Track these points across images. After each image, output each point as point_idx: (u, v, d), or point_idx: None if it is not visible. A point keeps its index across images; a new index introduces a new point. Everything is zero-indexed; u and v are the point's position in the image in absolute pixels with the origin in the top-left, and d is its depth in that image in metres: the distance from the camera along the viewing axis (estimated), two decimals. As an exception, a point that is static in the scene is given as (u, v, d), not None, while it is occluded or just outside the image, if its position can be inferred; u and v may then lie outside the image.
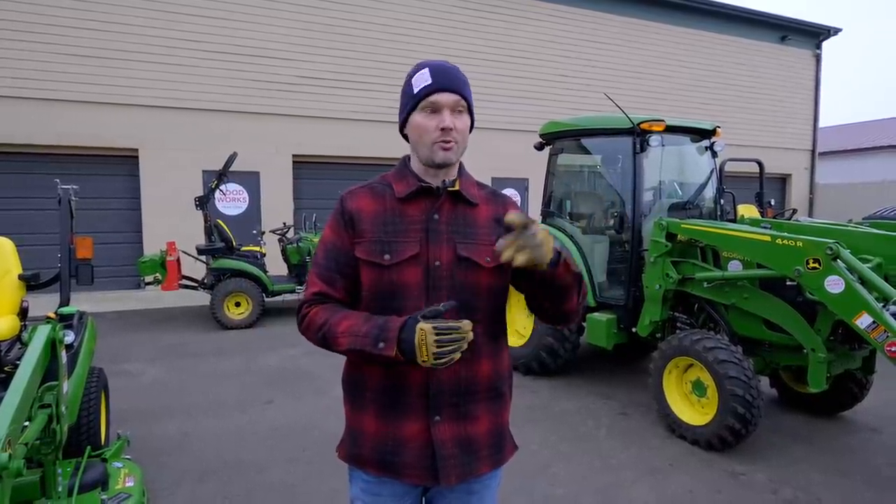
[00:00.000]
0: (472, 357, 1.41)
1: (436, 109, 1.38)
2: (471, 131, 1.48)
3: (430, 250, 1.40)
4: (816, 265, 3.46)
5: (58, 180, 4.03)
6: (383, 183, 1.50)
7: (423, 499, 1.55)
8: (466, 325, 1.26)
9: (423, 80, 1.39)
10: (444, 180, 1.45)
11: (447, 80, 1.38)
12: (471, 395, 1.44)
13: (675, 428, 4.10)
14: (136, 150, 10.11)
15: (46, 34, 9.34)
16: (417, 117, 1.40)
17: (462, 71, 1.47)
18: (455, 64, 1.48)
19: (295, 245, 8.43)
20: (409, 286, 1.38)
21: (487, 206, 1.49)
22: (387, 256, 1.40)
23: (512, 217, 1.23)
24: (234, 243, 7.98)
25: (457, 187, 1.45)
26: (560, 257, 1.34)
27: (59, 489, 2.45)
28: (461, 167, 1.52)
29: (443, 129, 1.37)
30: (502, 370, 1.52)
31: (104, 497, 2.52)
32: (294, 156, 11.22)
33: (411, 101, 1.41)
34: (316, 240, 8.30)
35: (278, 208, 10.97)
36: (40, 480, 2.42)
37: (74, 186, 3.77)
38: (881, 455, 3.89)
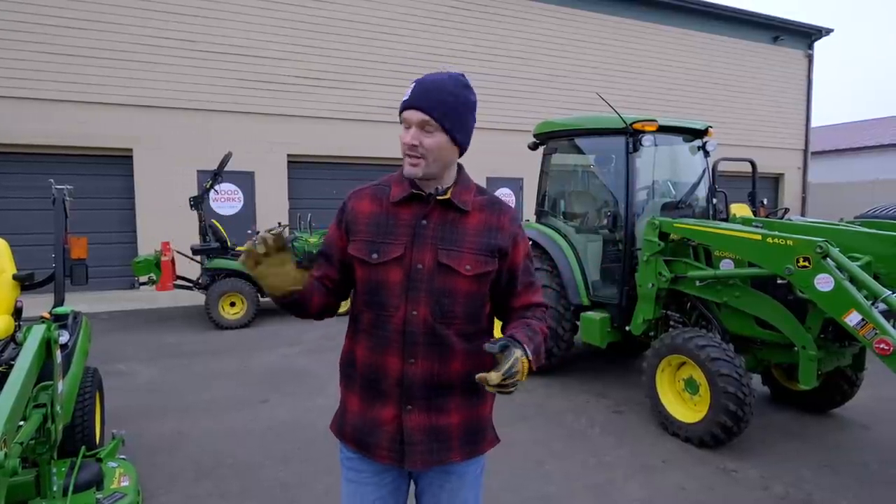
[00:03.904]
0: (445, 355, 1.50)
1: (407, 125, 1.46)
2: (462, 151, 1.53)
3: (413, 254, 1.48)
4: (806, 263, 3.49)
5: (52, 180, 4.02)
6: (386, 184, 1.58)
7: (410, 477, 1.64)
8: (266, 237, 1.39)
9: (406, 95, 1.47)
10: (436, 188, 1.52)
11: (420, 98, 1.44)
12: (443, 390, 1.51)
13: (668, 425, 4.13)
14: (131, 149, 10.08)
15: (40, 34, 9.31)
16: (401, 130, 1.49)
17: (459, 89, 1.47)
18: (447, 73, 1.49)
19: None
20: (391, 285, 1.48)
21: (481, 213, 1.54)
22: (374, 255, 1.50)
23: (492, 379, 1.28)
24: (228, 243, 7.97)
25: (447, 195, 1.51)
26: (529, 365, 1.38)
27: (55, 489, 2.46)
28: (460, 174, 1.57)
29: (406, 145, 1.45)
30: (481, 369, 1.52)
31: (99, 496, 2.53)
32: (289, 155, 11.21)
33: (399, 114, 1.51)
34: (311, 240, 8.36)
35: (273, 208, 10.97)
36: (35, 480, 2.43)
37: (69, 186, 3.77)
38: (871, 451, 3.93)
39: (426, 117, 1.43)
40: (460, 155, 1.55)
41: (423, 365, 1.48)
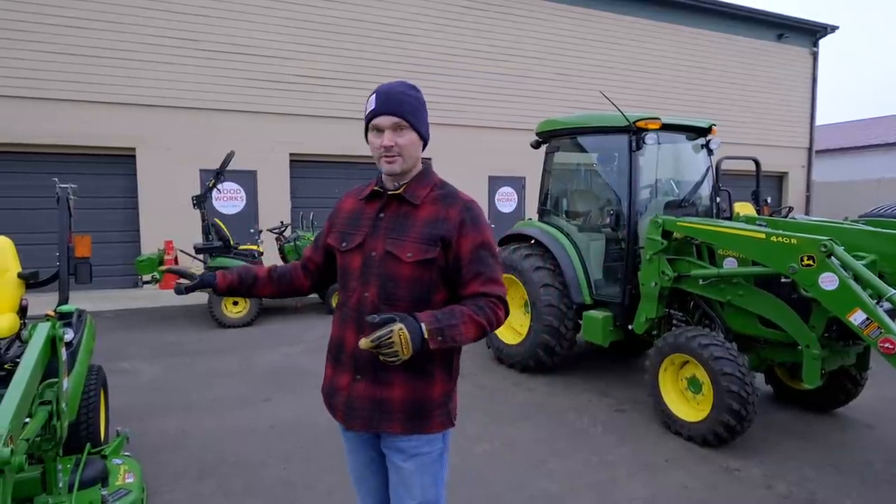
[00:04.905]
0: None
1: (379, 130, 1.65)
2: (426, 143, 1.74)
3: (370, 243, 1.70)
4: (811, 262, 3.48)
5: (56, 179, 4.03)
6: (366, 185, 1.82)
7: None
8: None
9: (370, 105, 1.66)
10: (394, 184, 1.72)
11: (387, 104, 1.63)
12: (386, 365, 1.58)
13: (671, 424, 4.13)
14: (134, 149, 10.11)
15: (43, 33, 9.33)
16: (369, 136, 1.69)
17: (412, 91, 1.68)
18: (404, 84, 1.68)
19: (292, 243, 8.43)
20: (352, 270, 1.72)
21: (433, 206, 1.69)
22: (344, 244, 1.76)
23: (362, 343, 1.47)
24: (231, 242, 7.97)
25: (400, 191, 1.70)
26: (423, 344, 1.51)
27: (60, 485, 2.47)
28: (425, 172, 1.75)
29: (384, 147, 1.64)
30: (426, 352, 1.56)
31: (104, 493, 2.53)
32: (291, 154, 11.23)
33: (365, 123, 1.70)
34: (313, 238, 8.34)
35: (275, 207, 10.98)
36: (41, 476, 2.43)
37: (73, 185, 3.78)
38: (875, 450, 3.93)
39: (398, 119, 1.63)
40: (423, 148, 1.74)
41: None
